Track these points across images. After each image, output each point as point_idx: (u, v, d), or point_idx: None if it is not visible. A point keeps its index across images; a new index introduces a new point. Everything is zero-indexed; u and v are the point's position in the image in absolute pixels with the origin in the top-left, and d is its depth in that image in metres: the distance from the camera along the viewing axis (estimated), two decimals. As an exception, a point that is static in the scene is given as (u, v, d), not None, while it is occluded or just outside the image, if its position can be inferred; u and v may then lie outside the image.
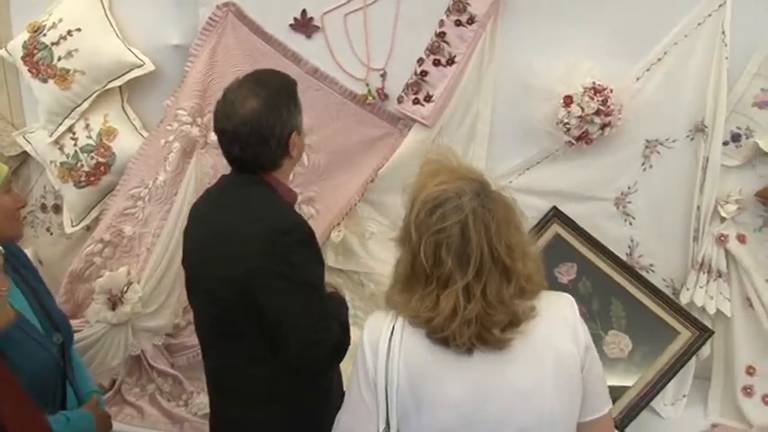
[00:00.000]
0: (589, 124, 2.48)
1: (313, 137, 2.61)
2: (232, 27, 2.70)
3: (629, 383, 2.52)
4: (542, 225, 2.64)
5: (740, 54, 2.43)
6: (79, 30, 2.74)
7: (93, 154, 2.80)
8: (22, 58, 2.80)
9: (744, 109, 2.48)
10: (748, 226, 2.57)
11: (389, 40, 2.60)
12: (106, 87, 2.78)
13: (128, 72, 2.76)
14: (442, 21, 2.55)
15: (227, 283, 1.76)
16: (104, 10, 2.79)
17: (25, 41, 2.79)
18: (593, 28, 2.48)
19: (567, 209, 2.64)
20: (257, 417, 1.86)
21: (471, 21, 2.53)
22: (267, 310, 1.73)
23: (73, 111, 2.80)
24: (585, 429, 1.52)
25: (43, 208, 3.07)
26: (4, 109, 3.01)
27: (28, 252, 2.72)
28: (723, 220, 2.55)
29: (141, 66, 2.76)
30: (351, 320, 2.56)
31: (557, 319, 1.49)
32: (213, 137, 2.17)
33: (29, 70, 2.80)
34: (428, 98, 2.59)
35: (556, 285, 2.62)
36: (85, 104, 2.80)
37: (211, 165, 2.71)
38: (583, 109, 2.46)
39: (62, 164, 2.83)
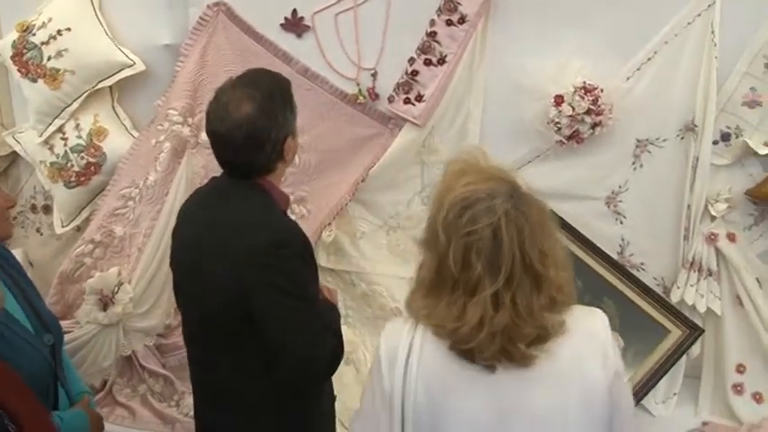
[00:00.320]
0: (580, 124, 2.49)
1: (304, 136, 2.60)
2: (223, 27, 2.69)
3: (620, 382, 2.53)
4: (533, 224, 2.65)
5: (729, 53, 2.44)
6: (69, 29, 2.73)
7: (83, 154, 2.79)
8: (12, 57, 2.79)
9: (733, 108, 2.50)
10: (738, 224, 2.59)
11: (380, 39, 2.60)
12: (96, 87, 2.77)
13: (118, 72, 2.75)
14: (432, 20, 2.55)
15: (221, 294, 1.71)
16: (94, 9, 2.78)
17: (14, 41, 2.78)
18: (584, 28, 2.49)
19: (558, 208, 2.61)
20: (247, 427, 1.84)
21: (462, 20, 2.53)
22: (262, 324, 1.69)
23: (63, 111, 2.79)
24: None
25: (33, 208, 3.05)
26: (-6, 109, 3.00)
27: (18, 253, 2.72)
28: (713, 218, 2.57)
29: (132, 65, 2.75)
30: (342, 321, 2.57)
31: (586, 339, 1.38)
32: (204, 137, 2.15)
33: (18, 70, 2.79)
34: (419, 98, 2.59)
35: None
36: (75, 104, 2.78)
37: (202, 165, 2.70)
38: (573, 108, 2.46)
39: (52, 164, 2.82)
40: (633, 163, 2.59)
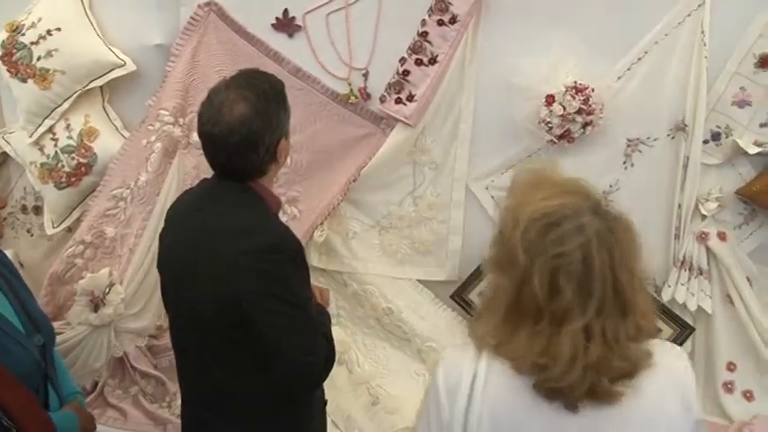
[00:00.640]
0: (571, 123, 2.50)
1: (296, 137, 2.60)
2: (214, 27, 2.69)
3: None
4: (525, 224, 2.65)
5: (719, 53, 2.46)
6: (59, 29, 2.72)
7: (73, 154, 2.77)
8: (1, 57, 2.77)
9: (723, 108, 2.51)
10: (728, 224, 2.60)
11: (371, 39, 2.60)
12: (87, 87, 2.76)
13: (109, 72, 2.74)
14: (424, 20, 2.55)
15: (213, 299, 1.69)
16: (84, 9, 2.77)
17: (3, 41, 2.76)
18: (575, 28, 2.50)
19: (550, 207, 2.65)
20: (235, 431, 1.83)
21: (453, 20, 2.53)
22: (255, 331, 1.67)
23: (53, 111, 2.78)
24: None
25: (23, 209, 3.04)
26: (-17, 110, 2.99)
27: (8, 254, 2.69)
28: (704, 217, 2.58)
29: (122, 65, 2.74)
30: (334, 320, 2.58)
31: (669, 378, 1.25)
32: (196, 137, 2.13)
33: (8, 70, 2.77)
34: (410, 98, 2.60)
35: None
36: (66, 104, 2.77)
37: (194, 165, 2.70)
38: (564, 108, 2.47)
39: (42, 165, 2.81)
40: (624, 162, 2.60)
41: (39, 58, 2.72)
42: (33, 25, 2.73)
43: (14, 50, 2.74)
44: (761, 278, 2.61)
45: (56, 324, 2.50)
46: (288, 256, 1.70)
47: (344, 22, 2.61)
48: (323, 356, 1.74)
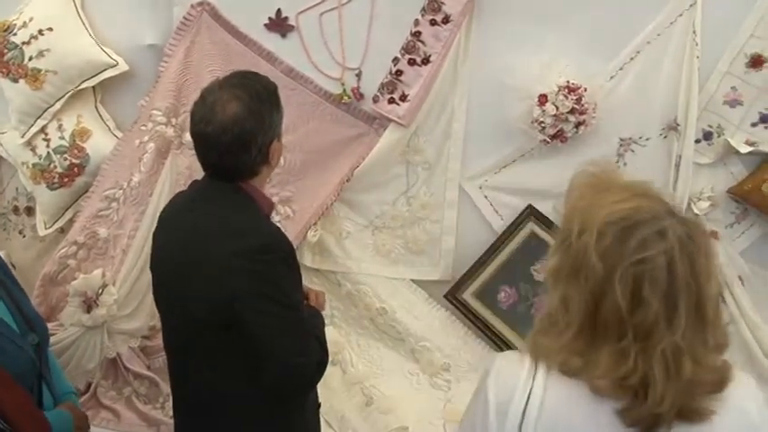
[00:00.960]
0: (564, 123, 2.50)
1: (289, 137, 2.59)
2: (207, 27, 2.68)
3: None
4: (518, 223, 2.66)
5: (711, 53, 2.47)
6: (51, 29, 2.71)
7: (66, 155, 2.76)
8: (-7, 57, 2.76)
9: (715, 107, 2.53)
10: (720, 222, 2.61)
11: (365, 39, 2.60)
12: (79, 87, 2.75)
13: (101, 72, 2.73)
14: (417, 20, 2.56)
15: (205, 300, 1.68)
16: (76, 9, 2.76)
17: (-5, 41, 2.75)
18: (567, 27, 2.51)
19: (543, 206, 2.66)
20: None
21: (446, 20, 2.54)
22: (247, 332, 1.66)
23: (45, 111, 2.76)
24: None
25: (15, 210, 3.02)
26: (-25, 110, 2.97)
27: (1, 255, 2.69)
28: (696, 216, 2.59)
29: (115, 66, 2.73)
30: (328, 321, 2.58)
31: (744, 387, 1.17)
32: (188, 137, 2.12)
33: (-1, 70, 2.76)
34: (403, 97, 2.60)
35: (533, 282, 2.65)
36: (58, 105, 2.76)
37: (186, 165, 2.69)
38: (557, 108, 2.48)
39: (34, 165, 2.80)
40: (617, 161, 2.60)
41: (30, 58, 2.71)
42: (25, 25, 2.72)
43: (6, 50, 2.73)
44: (753, 277, 2.63)
45: (49, 325, 2.49)
46: (279, 256, 1.70)
47: (337, 21, 2.61)
48: (315, 358, 1.73)
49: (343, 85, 2.66)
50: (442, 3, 2.52)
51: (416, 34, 2.57)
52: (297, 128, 2.65)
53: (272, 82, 1.80)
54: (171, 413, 2.68)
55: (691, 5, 2.45)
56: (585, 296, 1.12)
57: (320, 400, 1.99)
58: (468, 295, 2.70)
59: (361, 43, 2.61)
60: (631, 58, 2.51)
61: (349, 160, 2.69)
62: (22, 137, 2.79)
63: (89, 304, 2.67)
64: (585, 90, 2.48)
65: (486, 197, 2.69)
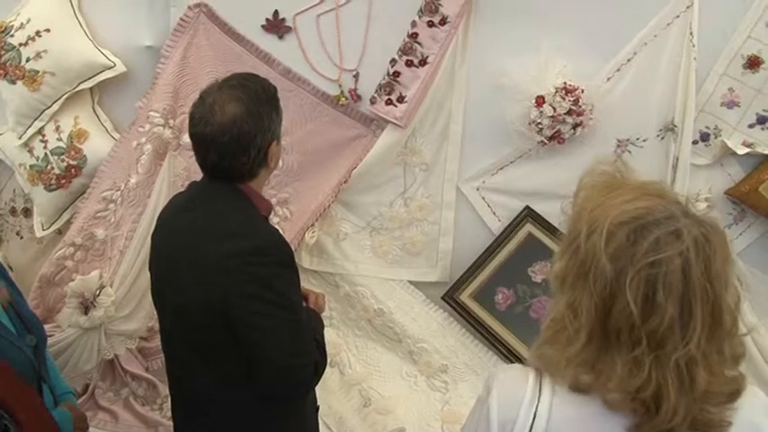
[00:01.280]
0: (561, 124, 2.50)
1: (286, 138, 2.60)
2: (204, 28, 2.68)
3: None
4: (515, 225, 2.66)
5: (708, 54, 2.48)
6: (48, 30, 2.71)
7: (63, 156, 2.76)
8: (-11, 59, 2.76)
9: (712, 109, 2.53)
10: (718, 224, 2.61)
11: (362, 40, 2.60)
12: (76, 89, 2.74)
13: (98, 73, 2.73)
14: (414, 21, 2.56)
15: (202, 302, 1.68)
16: (74, 10, 2.76)
17: (-8, 43, 2.75)
18: (565, 29, 2.51)
19: (540, 208, 2.66)
20: None
21: (443, 21, 2.54)
22: (244, 333, 1.66)
23: (42, 113, 2.76)
24: None
25: (13, 212, 3.02)
26: (-28, 111, 2.97)
27: (-2, 257, 2.69)
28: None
29: (112, 67, 2.73)
30: (326, 322, 2.57)
31: (752, 396, 1.12)
32: (186, 138, 2.12)
33: (-4, 72, 2.76)
34: (401, 99, 2.60)
35: (530, 284, 2.65)
36: (55, 106, 2.76)
37: (184, 167, 2.69)
38: (555, 109, 2.48)
39: (32, 166, 2.79)
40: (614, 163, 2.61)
41: (28, 60, 2.71)
42: (22, 26, 2.72)
43: (3, 52, 2.73)
44: (750, 278, 2.63)
45: (46, 327, 2.49)
46: (277, 258, 1.69)
47: (335, 23, 2.61)
48: (312, 361, 1.73)
49: (340, 86, 2.66)
50: (440, 4, 2.52)
51: (413, 36, 2.57)
52: (294, 129, 2.65)
53: (271, 84, 1.80)
54: (169, 414, 2.69)
55: (687, 7, 2.45)
56: (595, 301, 1.06)
57: (318, 404, 1.99)
58: (465, 297, 2.70)
59: (358, 45, 2.61)
60: (628, 60, 2.52)
61: (346, 162, 2.69)
62: (20, 138, 2.79)
63: (86, 306, 2.67)
64: (583, 91, 2.49)
65: (483, 198, 2.69)
